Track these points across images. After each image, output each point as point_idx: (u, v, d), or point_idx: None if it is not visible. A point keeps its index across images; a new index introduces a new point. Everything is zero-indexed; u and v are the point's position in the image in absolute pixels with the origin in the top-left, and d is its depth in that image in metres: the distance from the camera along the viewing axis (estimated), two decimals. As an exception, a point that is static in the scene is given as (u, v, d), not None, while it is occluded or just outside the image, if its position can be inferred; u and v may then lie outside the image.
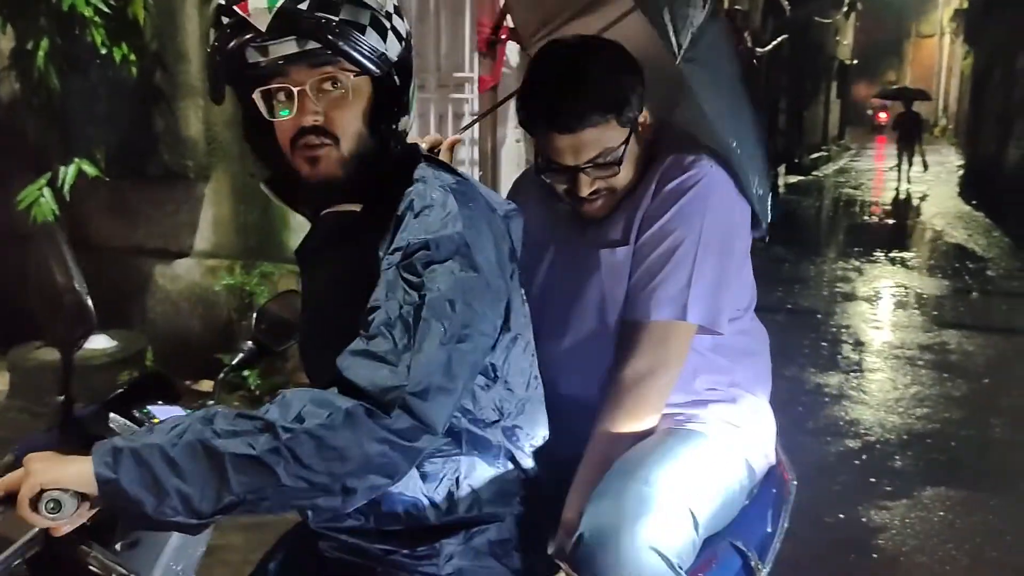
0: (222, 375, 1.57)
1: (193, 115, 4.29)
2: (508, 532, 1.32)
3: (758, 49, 9.28)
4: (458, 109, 4.48)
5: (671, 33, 1.60)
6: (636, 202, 1.59)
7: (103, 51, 3.72)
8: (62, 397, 1.23)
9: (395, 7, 1.21)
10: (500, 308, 1.23)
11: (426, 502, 1.26)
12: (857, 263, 8.72)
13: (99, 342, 4.15)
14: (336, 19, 1.13)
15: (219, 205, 4.40)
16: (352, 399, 1.04)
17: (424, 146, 1.82)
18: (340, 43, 1.13)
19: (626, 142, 1.55)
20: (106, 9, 3.63)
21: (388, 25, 1.18)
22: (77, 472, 0.99)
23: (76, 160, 3.91)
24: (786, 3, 10.31)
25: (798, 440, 3.95)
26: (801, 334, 5.92)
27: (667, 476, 1.43)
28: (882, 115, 26.92)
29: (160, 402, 1.36)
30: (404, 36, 1.22)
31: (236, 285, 4.24)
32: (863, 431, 4.24)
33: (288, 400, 1.04)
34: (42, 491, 0.98)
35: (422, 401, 1.05)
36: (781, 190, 14.15)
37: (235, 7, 1.12)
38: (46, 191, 3.87)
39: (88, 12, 3.58)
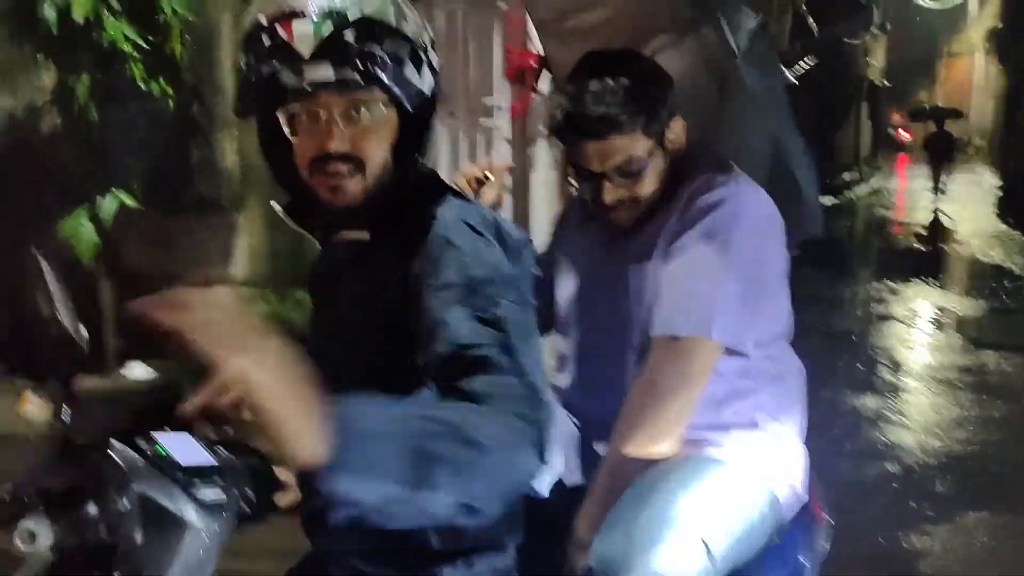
0: None
1: (228, 146, 4.37)
2: (512, 560, 1.30)
3: (787, 72, 9.28)
4: (487, 135, 4.52)
5: (727, 34, 1.69)
6: (664, 218, 1.60)
7: (142, 85, 3.81)
8: (61, 425, 1.20)
9: (431, 40, 1.22)
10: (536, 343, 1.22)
11: (430, 528, 1.24)
12: (892, 284, 8.61)
13: (137, 371, 4.21)
14: (379, 50, 1.12)
15: (253, 233, 4.47)
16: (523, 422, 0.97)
17: (477, 172, 1.85)
18: (381, 75, 1.12)
19: (651, 153, 1.57)
20: (145, 45, 3.73)
21: (425, 59, 1.18)
22: (308, 421, 0.83)
23: (115, 191, 4.00)
24: (814, 26, 10.28)
25: (835, 464, 3.89)
26: (836, 356, 5.85)
27: (680, 505, 1.42)
28: (903, 133, 26.63)
29: (167, 428, 1.35)
30: (437, 70, 1.22)
31: (270, 312, 4.29)
32: (902, 454, 4.17)
33: (463, 408, 0.96)
34: (20, 520, 0.94)
35: (548, 438, 1.00)
36: (813, 212, 14.03)
37: (278, 28, 1.11)
38: (86, 221, 3.96)
39: (127, 48, 3.68)
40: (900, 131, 26.53)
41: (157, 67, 3.87)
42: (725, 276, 1.52)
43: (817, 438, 1.72)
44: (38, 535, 0.95)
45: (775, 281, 1.65)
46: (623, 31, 1.98)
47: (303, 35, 1.10)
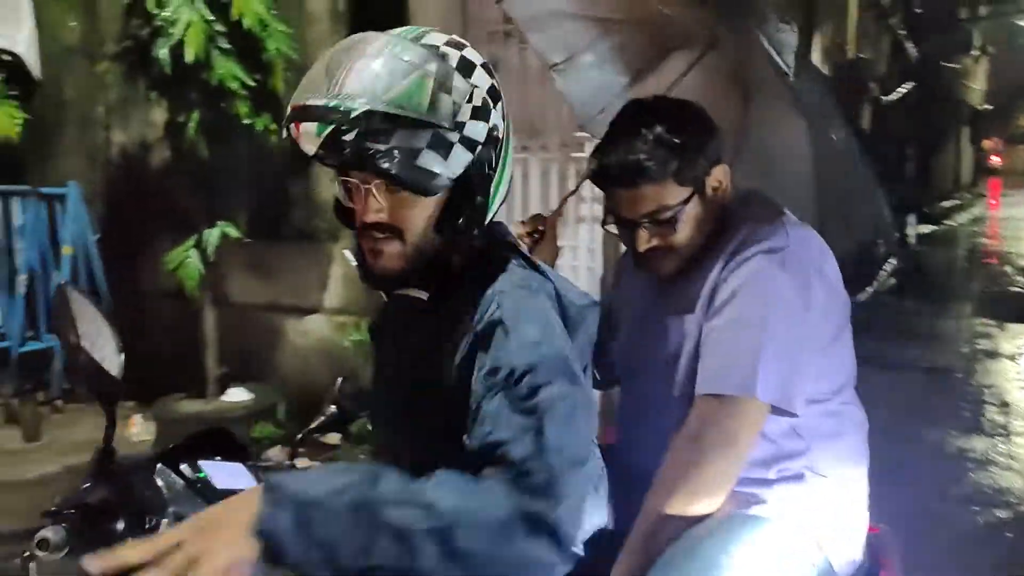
0: (300, 436, 1.58)
1: (326, 179, 4.49)
2: None
3: (884, 97, 9.04)
4: (580, 168, 4.53)
5: (774, 54, 1.65)
6: (708, 270, 1.55)
7: (247, 122, 3.96)
8: (102, 448, 1.24)
9: (474, 109, 1.16)
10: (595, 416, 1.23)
11: None
12: (998, 318, 8.24)
13: (236, 395, 4.34)
14: (384, 147, 1.10)
15: (348, 263, 4.57)
16: (510, 506, 1.01)
17: (529, 228, 1.84)
18: (387, 170, 1.11)
19: (686, 202, 1.53)
20: (251, 83, 3.88)
21: (455, 138, 1.14)
22: (234, 539, 0.94)
23: (220, 223, 4.16)
24: (912, 50, 10.02)
25: (941, 509, 3.73)
26: (939, 394, 5.61)
27: (722, 566, 1.37)
28: (994, 158, 25.53)
29: (218, 458, 1.35)
30: (480, 140, 1.17)
31: (363, 341, 4.37)
32: (1014, 500, 3.96)
33: (447, 483, 1.02)
34: (37, 530, 1.03)
35: (568, 531, 1.02)
36: (911, 240, 13.60)
37: (290, 126, 1.13)
38: (192, 252, 4.12)
39: (235, 86, 3.83)
40: (991, 156, 25.54)
41: (261, 104, 4.01)
42: (771, 332, 1.45)
43: (920, 481, 1.66)
44: (51, 543, 1.04)
45: (830, 333, 1.56)
46: (635, 57, 1.95)
47: (307, 134, 1.11)
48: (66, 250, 4.69)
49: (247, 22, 3.83)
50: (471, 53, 1.20)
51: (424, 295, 1.27)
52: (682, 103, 1.62)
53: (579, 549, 1.06)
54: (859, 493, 1.61)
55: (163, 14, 3.78)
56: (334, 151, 1.10)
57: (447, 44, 1.18)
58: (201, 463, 1.21)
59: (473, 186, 1.20)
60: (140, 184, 5.05)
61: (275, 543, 0.95)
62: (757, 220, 1.55)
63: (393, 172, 1.11)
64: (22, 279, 4.55)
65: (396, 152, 1.10)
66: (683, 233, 1.55)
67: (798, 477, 1.53)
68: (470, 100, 1.15)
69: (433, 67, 1.13)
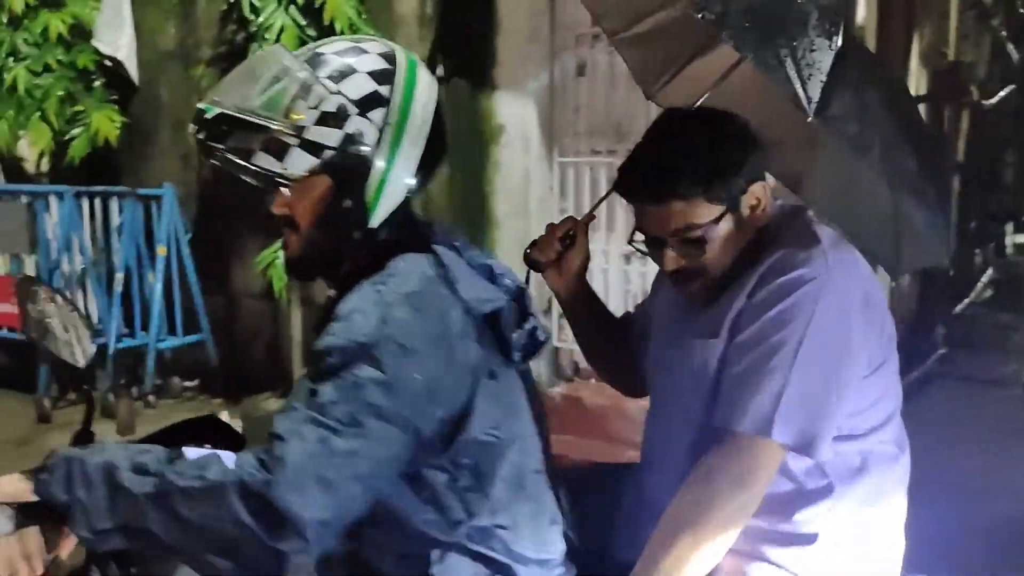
0: None
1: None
2: None
3: (984, 101, 8.68)
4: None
5: (798, 86, 1.49)
6: (735, 294, 1.45)
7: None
8: (79, 430, 1.32)
9: (322, 115, 1.24)
10: (422, 412, 1.20)
11: None
12: (1106, 334, 7.80)
13: (320, 395, 4.40)
14: (221, 147, 1.24)
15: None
16: (236, 476, 1.09)
17: (559, 231, 1.78)
18: (226, 167, 1.25)
19: (717, 220, 1.43)
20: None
21: (294, 142, 1.24)
22: (15, 486, 1.13)
23: (307, 225, 4.23)
24: (1015, 52, 9.59)
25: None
26: (1042, 413, 5.34)
27: None
28: None
29: (208, 446, 1.35)
30: (328, 144, 1.25)
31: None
32: None
33: (192, 456, 1.14)
34: None
35: (291, 509, 1.07)
36: (1009, 250, 13.01)
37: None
38: (281, 253, 4.19)
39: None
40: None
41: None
42: (798, 370, 1.35)
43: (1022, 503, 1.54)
44: None
45: (868, 367, 1.44)
46: (696, 30, 1.84)
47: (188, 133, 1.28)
48: (160, 250, 4.82)
49: (338, 26, 3.90)
50: (365, 60, 1.28)
51: (332, 292, 1.36)
52: (722, 114, 1.50)
53: (325, 534, 1.10)
54: (888, 550, 1.51)
55: (258, 20, 3.87)
56: (198, 148, 1.28)
57: (342, 52, 1.28)
58: (184, 449, 1.24)
59: (343, 186, 1.27)
60: (232, 186, 5.16)
61: (47, 497, 1.11)
62: (793, 244, 1.44)
63: (228, 168, 1.24)
64: (119, 278, 4.71)
65: (233, 152, 1.24)
66: (712, 253, 1.45)
67: (811, 539, 1.44)
68: (318, 107, 1.24)
69: (301, 75, 1.24)
